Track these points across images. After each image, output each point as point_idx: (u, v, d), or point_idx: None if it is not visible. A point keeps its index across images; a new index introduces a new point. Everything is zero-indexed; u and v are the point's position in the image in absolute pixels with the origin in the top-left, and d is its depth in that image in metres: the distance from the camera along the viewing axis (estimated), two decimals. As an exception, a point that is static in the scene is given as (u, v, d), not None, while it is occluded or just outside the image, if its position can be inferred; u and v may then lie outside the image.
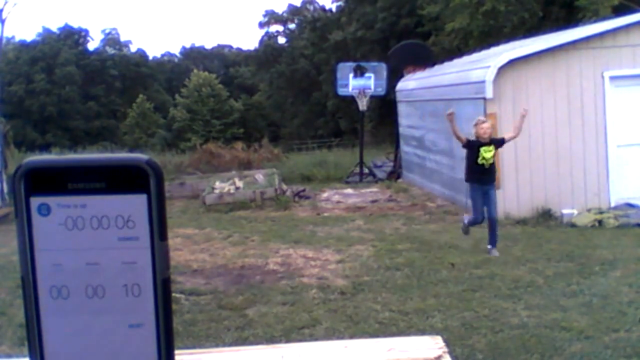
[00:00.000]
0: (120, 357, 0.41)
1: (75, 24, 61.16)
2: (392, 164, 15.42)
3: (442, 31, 25.44)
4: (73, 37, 52.27)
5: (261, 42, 46.37)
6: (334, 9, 40.98)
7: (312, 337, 4.58)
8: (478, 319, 4.89)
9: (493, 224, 6.93)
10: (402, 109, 14.19)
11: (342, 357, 0.60)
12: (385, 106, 22.29)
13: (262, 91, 46.75)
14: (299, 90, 40.83)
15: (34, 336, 0.41)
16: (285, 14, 45.83)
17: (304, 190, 12.26)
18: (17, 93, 43.37)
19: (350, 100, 16.98)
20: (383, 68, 15.36)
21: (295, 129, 41.24)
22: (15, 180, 0.40)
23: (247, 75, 51.90)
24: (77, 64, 48.84)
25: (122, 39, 56.22)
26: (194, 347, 3.39)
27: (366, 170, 14.94)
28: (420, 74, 13.51)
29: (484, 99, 9.01)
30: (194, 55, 59.36)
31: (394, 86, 14.59)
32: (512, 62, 9.06)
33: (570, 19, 19.30)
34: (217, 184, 12.26)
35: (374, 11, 32.10)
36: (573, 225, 8.51)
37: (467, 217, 7.37)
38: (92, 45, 54.49)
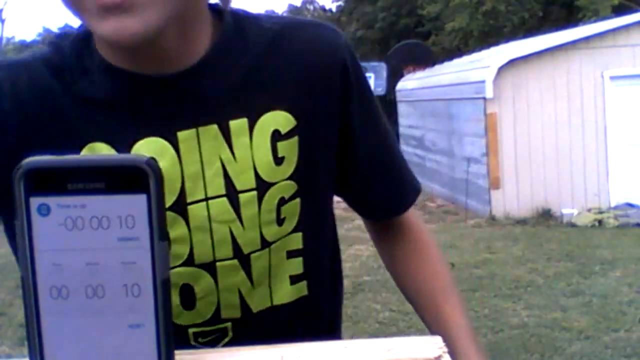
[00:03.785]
0: (120, 357, 0.41)
1: (75, 24, 61.15)
2: (392, 164, 15.41)
3: (442, 31, 25.46)
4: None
5: (261, 42, 46.39)
6: (334, 9, 41.04)
7: (312, 337, 4.57)
8: (478, 319, 4.89)
9: None
10: (402, 108, 14.20)
11: (342, 357, 0.60)
12: (385, 106, 22.29)
13: (262, 91, 46.79)
14: (299, 90, 40.82)
15: (34, 336, 0.41)
16: (285, 14, 45.88)
17: (304, 190, 12.25)
18: (17, 93, 43.38)
19: (350, 100, 16.99)
20: (383, 68, 15.36)
21: (295, 129, 41.26)
22: (14, 180, 0.40)
23: (247, 75, 51.91)
24: (77, 64, 48.82)
25: (122, 39, 56.30)
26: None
27: (366, 170, 14.94)
28: (420, 74, 13.52)
29: (484, 98, 9.02)
30: (194, 55, 59.40)
31: (394, 86, 14.59)
32: (512, 62, 9.06)
33: (570, 19, 19.31)
34: (217, 184, 12.26)
35: (374, 11, 32.13)
36: (573, 225, 8.52)
37: None
38: (92, 45, 54.52)
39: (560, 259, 6.60)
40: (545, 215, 8.95)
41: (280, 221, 0.81)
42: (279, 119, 0.79)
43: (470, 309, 5.13)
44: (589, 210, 8.88)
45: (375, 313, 5.12)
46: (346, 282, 6.12)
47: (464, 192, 9.56)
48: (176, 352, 0.43)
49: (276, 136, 0.79)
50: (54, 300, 0.41)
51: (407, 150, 13.86)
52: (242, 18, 0.82)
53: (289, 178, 0.81)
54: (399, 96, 14.34)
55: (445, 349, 0.61)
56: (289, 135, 0.80)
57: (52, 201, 0.40)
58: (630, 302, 5.12)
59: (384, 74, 15.17)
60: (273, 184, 0.79)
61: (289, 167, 0.80)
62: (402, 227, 0.99)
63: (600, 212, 8.76)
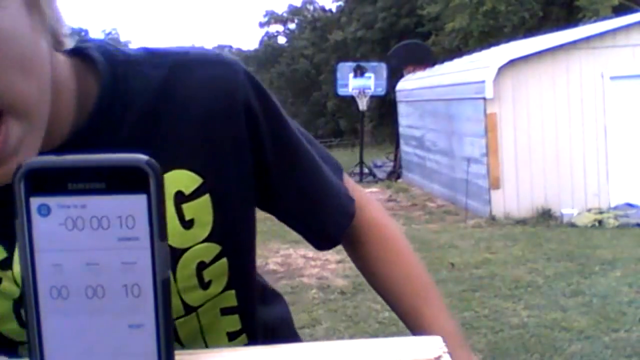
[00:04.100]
0: (120, 357, 0.41)
1: (75, 24, 61.26)
2: (392, 164, 15.43)
3: (442, 31, 25.46)
4: (73, 37, 52.31)
5: (261, 42, 46.45)
6: (334, 9, 41.02)
7: (312, 337, 4.58)
8: (478, 319, 4.89)
9: None
10: (402, 108, 14.20)
11: (342, 357, 0.60)
12: (385, 106, 22.31)
13: (262, 91, 46.69)
14: (299, 90, 40.86)
15: (34, 336, 0.41)
16: (285, 14, 45.87)
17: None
18: (17, 93, 43.40)
19: (350, 100, 17.00)
20: (383, 68, 15.37)
21: (295, 129, 41.18)
22: (15, 180, 0.40)
23: (247, 75, 51.83)
24: (77, 64, 48.89)
25: (122, 39, 56.30)
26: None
27: (366, 170, 14.95)
28: (420, 74, 13.52)
29: (484, 99, 9.02)
30: (194, 55, 59.33)
31: (394, 86, 14.60)
32: (512, 62, 9.06)
33: (570, 19, 19.31)
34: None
35: (374, 11, 32.13)
36: (573, 225, 8.52)
37: None
38: (92, 45, 54.53)
39: (560, 259, 6.60)
40: (545, 215, 8.95)
41: (205, 285, 0.76)
42: (180, 179, 0.72)
43: (471, 309, 5.13)
44: (589, 210, 8.88)
45: (375, 313, 5.12)
46: (346, 282, 6.12)
47: (464, 192, 9.57)
48: (176, 352, 0.43)
49: (180, 198, 0.72)
50: (54, 301, 0.41)
51: (407, 150, 13.87)
52: (120, 64, 0.71)
53: (207, 240, 0.75)
54: (399, 96, 14.34)
55: (445, 349, 0.61)
56: (195, 195, 0.73)
57: (52, 201, 0.40)
58: (630, 302, 5.12)
59: (384, 74, 15.17)
60: (186, 249, 0.73)
61: (202, 230, 0.74)
62: (363, 230, 0.93)
63: (600, 212, 8.76)
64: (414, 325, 0.89)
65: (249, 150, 0.77)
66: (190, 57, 0.75)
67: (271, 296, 1.01)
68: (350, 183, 0.94)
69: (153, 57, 0.73)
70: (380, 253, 0.93)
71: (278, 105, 0.81)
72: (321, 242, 0.92)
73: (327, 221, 0.89)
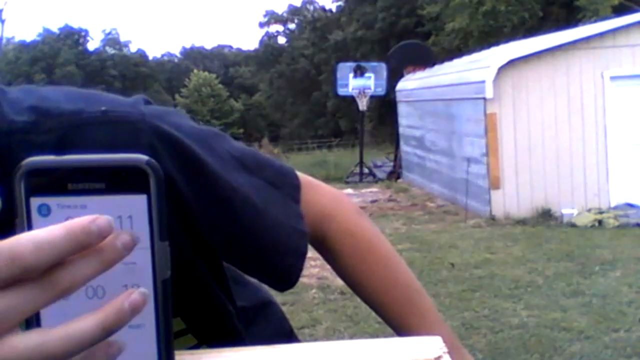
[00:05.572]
0: (120, 357, 0.41)
1: (75, 24, 61.26)
2: (392, 164, 15.43)
3: (442, 31, 25.47)
4: (73, 37, 52.33)
5: (261, 42, 46.48)
6: (334, 9, 41.04)
7: (312, 337, 4.58)
8: (478, 319, 4.89)
9: None
10: (402, 109, 14.20)
11: (342, 357, 0.60)
12: (385, 106, 22.30)
13: (262, 91, 46.81)
14: (299, 90, 40.87)
15: (34, 337, 0.41)
16: (285, 14, 45.88)
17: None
18: (17, 93, 43.34)
19: (350, 100, 16.99)
20: (383, 68, 15.37)
21: (295, 129, 41.27)
22: (15, 180, 0.40)
23: (247, 75, 51.94)
24: (77, 64, 48.90)
25: (122, 39, 56.33)
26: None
27: (366, 170, 14.95)
28: (420, 74, 13.52)
29: (484, 99, 9.02)
30: (194, 55, 59.42)
31: (394, 86, 14.60)
32: (512, 62, 9.06)
33: (570, 19, 19.32)
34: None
35: (374, 11, 32.14)
36: (573, 225, 8.52)
37: None
38: (92, 45, 54.64)
39: (560, 259, 6.60)
40: (545, 215, 8.95)
41: None
42: None
43: (471, 309, 5.13)
44: (589, 210, 8.88)
45: (375, 313, 5.13)
46: (346, 282, 6.13)
47: (464, 192, 9.57)
48: (176, 352, 0.43)
49: None
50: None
51: (407, 150, 13.87)
52: (2, 137, 0.64)
53: None
54: (399, 96, 14.34)
55: (445, 349, 0.61)
56: None
57: (52, 201, 0.40)
58: (630, 302, 5.12)
59: (384, 74, 15.17)
60: None
61: None
62: (336, 240, 0.89)
63: (600, 212, 8.76)
64: (401, 333, 0.88)
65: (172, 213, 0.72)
66: (84, 117, 0.66)
67: (253, 316, 0.96)
68: (311, 194, 0.87)
69: (44, 120, 0.66)
70: (356, 264, 0.90)
71: (201, 157, 0.73)
72: (279, 285, 0.87)
73: (278, 266, 0.84)
